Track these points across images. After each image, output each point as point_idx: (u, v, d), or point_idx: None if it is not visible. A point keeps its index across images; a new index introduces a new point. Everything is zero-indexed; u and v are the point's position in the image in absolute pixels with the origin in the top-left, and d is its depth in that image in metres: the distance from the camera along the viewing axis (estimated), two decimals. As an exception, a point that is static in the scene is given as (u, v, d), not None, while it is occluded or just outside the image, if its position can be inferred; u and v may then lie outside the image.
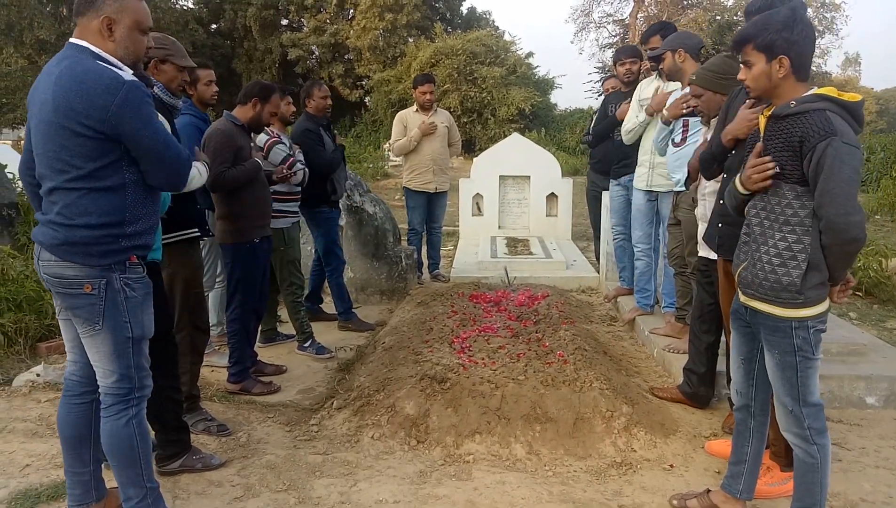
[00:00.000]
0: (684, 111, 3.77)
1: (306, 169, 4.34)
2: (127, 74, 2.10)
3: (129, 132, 2.06)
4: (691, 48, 3.89)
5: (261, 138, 4.26)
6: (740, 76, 2.25)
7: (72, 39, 2.14)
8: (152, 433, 2.71)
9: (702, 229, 3.35)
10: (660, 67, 4.19)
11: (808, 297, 2.11)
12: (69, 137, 2.04)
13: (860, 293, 5.87)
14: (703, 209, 3.27)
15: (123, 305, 2.16)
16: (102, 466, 2.46)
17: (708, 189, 3.22)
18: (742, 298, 2.32)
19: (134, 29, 2.17)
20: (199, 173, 2.54)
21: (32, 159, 2.19)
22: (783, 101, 2.13)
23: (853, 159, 2.00)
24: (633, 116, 4.65)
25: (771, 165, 2.14)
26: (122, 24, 2.13)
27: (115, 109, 2.02)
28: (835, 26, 30.94)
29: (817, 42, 31.18)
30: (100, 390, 2.24)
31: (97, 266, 2.12)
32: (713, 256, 3.15)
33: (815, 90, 2.09)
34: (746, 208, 2.29)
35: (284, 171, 4.07)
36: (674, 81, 4.13)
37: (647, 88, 4.58)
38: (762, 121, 2.22)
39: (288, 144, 4.33)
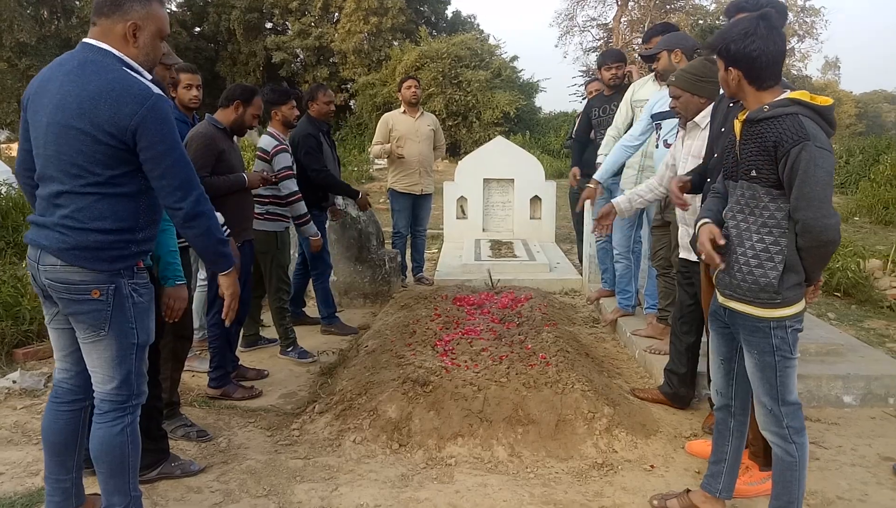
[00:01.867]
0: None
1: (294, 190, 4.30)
2: (154, 87, 2.08)
3: (145, 143, 2.03)
4: (687, 49, 3.91)
5: (267, 142, 4.23)
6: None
7: (90, 40, 2.09)
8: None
9: (682, 231, 3.39)
10: (654, 66, 4.20)
11: (786, 297, 2.14)
12: (89, 143, 2.01)
13: (839, 294, 5.95)
14: (681, 212, 3.30)
15: (131, 310, 2.14)
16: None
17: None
18: (720, 299, 2.34)
19: (156, 36, 2.16)
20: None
21: (31, 159, 2.14)
22: (751, 106, 2.17)
23: (827, 163, 2.02)
24: (618, 120, 4.68)
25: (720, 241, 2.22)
26: (146, 30, 2.11)
27: (139, 120, 2.00)
28: (815, 31, 31.45)
29: (797, 47, 31.70)
30: (96, 396, 2.20)
31: (107, 271, 2.08)
32: (694, 257, 3.18)
33: (788, 94, 2.12)
34: (725, 211, 2.32)
35: (273, 177, 4.05)
36: (667, 81, 4.15)
37: (641, 89, 4.58)
38: (737, 125, 2.25)
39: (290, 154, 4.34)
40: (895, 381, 3.64)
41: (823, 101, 2.11)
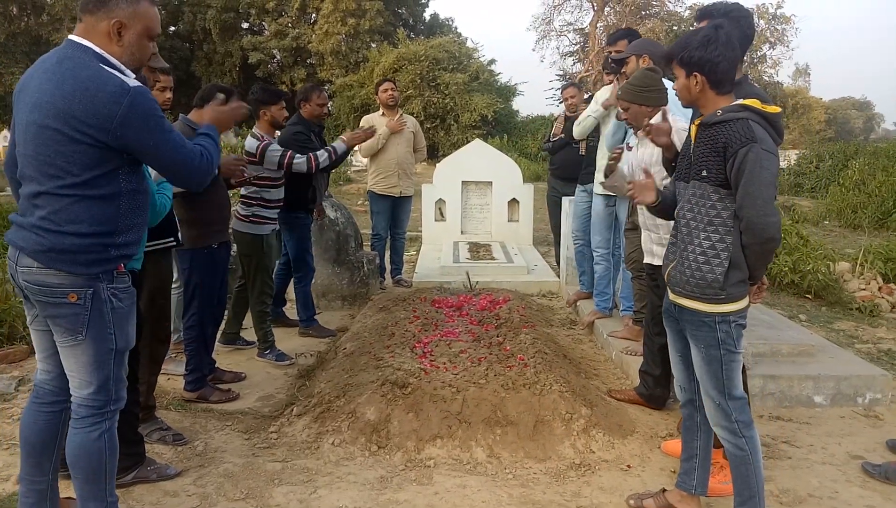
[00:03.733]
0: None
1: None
2: (132, 79, 2.02)
3: (135, 142, 2.00)
4: (655, 56, 3.97)
5: (251, 144, 4.20)
6: (674, 87, 2.37)
7: (73, 37, 2.04)
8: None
9: (645, 236, 3.44)
10: (622, 70, 4.27)
11: (730, 293, 2.25)
12: (66, 143, 1.96)
13: (810, 296, 6.07)
14: (643, 217, 3.37)
15: (109, 315, 2.09)
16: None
17: None
18: (671, 296, 2.43)
19: (144, 35, 2.10)
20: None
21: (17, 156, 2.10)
22: (708, 111, 2.28)
23: (771, 165, 2.15)
24: (587, 111, 4.75)
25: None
26: (132, 29, 2.06)
27: (120, 119, 1.95)
28: (785, 38, 32.02)
29: (769, 53, 32.29)
30: (73, 401, 2.16)
31: (84, 275, 2.04)
32: (656, 261, 3.26)
33: (740, 101, 2.24)
34: (676, 211, 2.42)
35: (250, 179, 4.03)
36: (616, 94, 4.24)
37: (604, 94, 4.67)
38: (693, 129, 2.35)
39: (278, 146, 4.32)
40: (864, 381, 3.73)
41: (772, 109, 2.24)
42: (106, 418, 2.17)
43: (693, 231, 2.30)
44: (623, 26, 29.28)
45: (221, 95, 3.45)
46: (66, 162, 1.98)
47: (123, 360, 2.20)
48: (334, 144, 4.64)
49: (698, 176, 2.27)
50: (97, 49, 2.02)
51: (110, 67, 2.01)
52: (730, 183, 2.19)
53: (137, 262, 2.54)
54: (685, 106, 2.53)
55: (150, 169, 2.37)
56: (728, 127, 2.18)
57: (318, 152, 4.46)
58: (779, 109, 2.27)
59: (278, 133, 4.56)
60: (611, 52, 4.65)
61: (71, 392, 2.16)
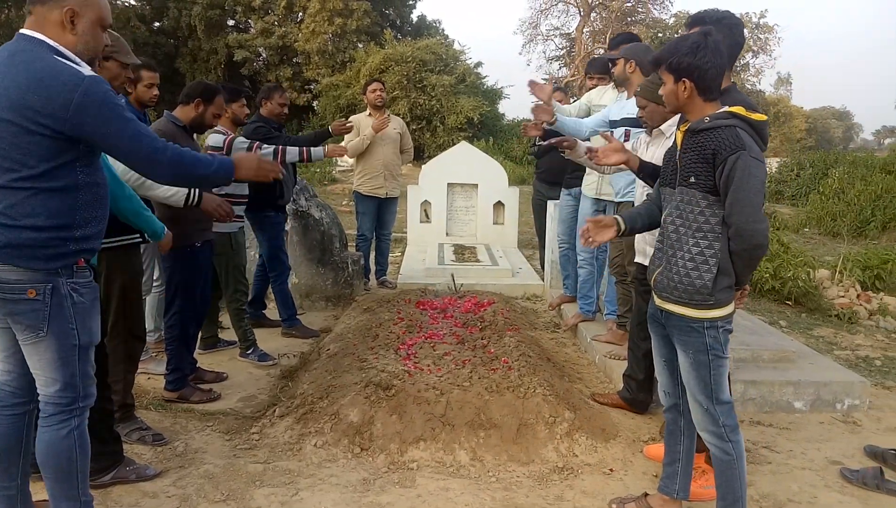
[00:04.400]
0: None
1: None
2: (86, 69, 2.01)
3: (92, 130, 1.97)
4: (642, 63, 4.00)
5: (216, 139, 4.17)
6: (659, 92, 2.37)
7: (25, 31, 2.02)
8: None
9: (638, 236, 3.44)
10: (612, 69, 4.31)
11: (718, 299, 2.26)
12: (22, 134, 1.94)
13: (790, 303, 6.15)
14: None
15: (70, 310, 2.06)
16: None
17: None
18: (657, 301, 2.44)
19: (96, 24, 2.09)
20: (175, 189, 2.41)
21: None
22: (695, 117, 2.29)
23: (759, 172, 2.17)
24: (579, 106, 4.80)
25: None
26: (85, 17, 2.05)
27: (75, 107, 1.93)
28: (768, 47, 32.47)
29: (752, 62, 32.72)
30: (40, 399, 2.12)
31: (42, 270, 2.01)
32: (648, 262, 3.26)
33: (728, 108, 2.25)
34: (663, 217, 2.43)
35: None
36: (622, 86, 4.28)
37: (602, 97, 4.77)
38: (679, 135, 2.36)
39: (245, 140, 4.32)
40: (843, 387, 3.78)
41: (758, 117, 2.26)
42: (74, 415, 2.13)
43: (682, 237, 2.30)
44: (609, 32, 29.57)
45: (178, 115, 3.56)
46: (22, 154, 1.96)
47: (89, 356, 2.16)
48: (314, 148, 4.64)
49: (686, 182, 2.28)
50: (50, 41, 2.01)
51: (64, 59, 2.00)
52: (718, 190, 2.20)
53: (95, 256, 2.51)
54: (672, 112, 2.54)
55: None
56: (716, 134, 2.19)
57: (288, 147, 4.46)
58: (765, 117, 2.29)
59: (240, 130, 4.58)
60: (614, 61, 4.69)
61: (38, 391, 2.12)
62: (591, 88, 5.21)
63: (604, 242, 2.57)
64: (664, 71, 2.30)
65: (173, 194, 3.19)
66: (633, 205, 3.68)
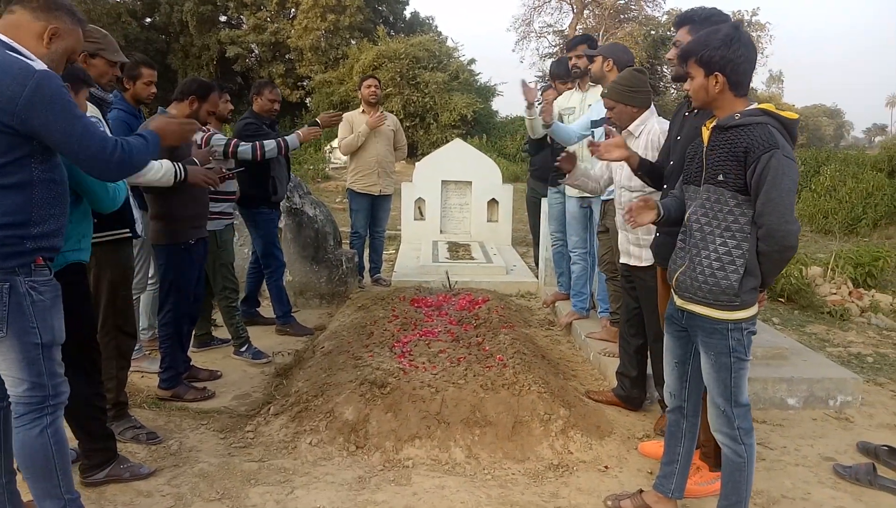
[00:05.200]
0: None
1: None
2: (38, 63, 1.99)
3: (41, 126, 1.95)
4: (620, 62, 4.01)
5: (197, 135, 4.16)
6: (685, 87, 2.33)
7: None
8: (74, 441, 2.59)
9: (622, 237, 3.45)
10: (588, 67, 4.34)
11: (744, 300, 2.21)
12: None
13: (783, 300, 6.18)
14: (620, 218, 3.39)
15: (30, 309, 2.03)
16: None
17: (624, 198, 3.33)
18: (678, 302, 2.39)
19: (68, 52, 2.13)
20: (160, 168, 2.41)
21: None
22: (724, 113, 2.22)
23: (792, 172, 2.10)
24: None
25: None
26: (63, 41, 2.08)
27: (24, 102, 1.91)
28: (760, 45, 32.57)
29: (747, 59, 32.86)
30: (11, 400, 2.11)
31: None
32: (633, 261, 3.28)
33: (758, 105, 2.19)
34: (687, 215, 2.36)
35: (229, 174, 3.98)
36: (598, 84, 4.32)
37: (568, 100, 4.82)
38: (705, 132, 2.30)
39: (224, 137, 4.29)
40: (835, 384, 3.80)
41: (790, 115, 2.19)
42: (46, 413, 2.12)
43: (708, 236, 2.24)
44: (603, 29, 29.61)
45: (172, 112, 3.47)
46: None
47: (54, 354, 2.13)
48: (288, 137, 4.62)
49: (713, 180, 2.21)
50: (6, 39, 2.00)
51: (17, 54, 1.98)
52: (748, 189, 2.13)
53: (84, 253, 2.49)
54: (698, 108, 2.49)
55: None
56: (749, 131, 2.12)
57: (265, 141, 4.44)
58: (797, 116, 2.20)
59: (226, 126, 4.58)
60: (570, 57, 4.72)
61: (8, 391, 2.11)
62: (557, 98, 5.22)
63: (644, 224, 2.49)
64: (693, 64, 2.20)
65: (163, 174, 3.13)
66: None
